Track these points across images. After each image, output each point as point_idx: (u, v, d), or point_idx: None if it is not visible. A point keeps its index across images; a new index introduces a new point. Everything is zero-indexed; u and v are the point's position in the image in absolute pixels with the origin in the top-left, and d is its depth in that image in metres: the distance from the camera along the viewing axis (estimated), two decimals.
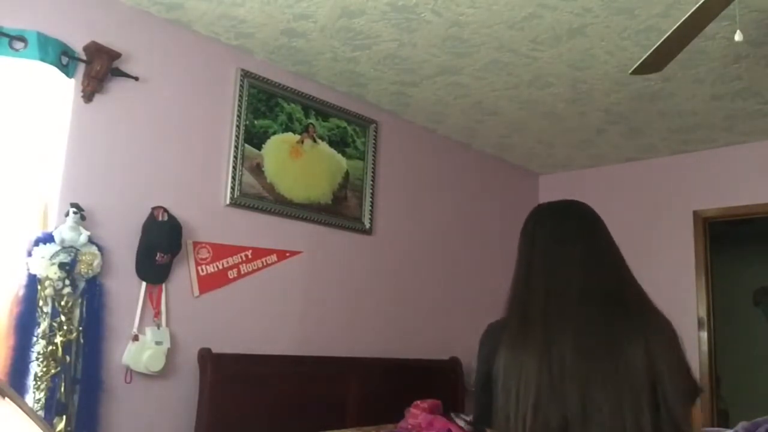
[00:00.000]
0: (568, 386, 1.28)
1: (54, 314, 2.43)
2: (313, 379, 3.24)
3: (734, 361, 5.69)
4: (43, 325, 2.40)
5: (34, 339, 2.38)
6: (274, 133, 3.37)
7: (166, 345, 2.78)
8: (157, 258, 2.78)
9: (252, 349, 3.12)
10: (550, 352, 1.31)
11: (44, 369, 2.37)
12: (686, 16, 2.15)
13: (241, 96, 3.23)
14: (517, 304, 1.43)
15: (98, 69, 2.67)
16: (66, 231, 2.48)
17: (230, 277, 3.13)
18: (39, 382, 2.36)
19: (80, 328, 2.50)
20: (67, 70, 2.63)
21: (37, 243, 2.45)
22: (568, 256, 1.42)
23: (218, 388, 2.85)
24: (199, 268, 3.01)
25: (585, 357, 1.30)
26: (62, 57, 2.59)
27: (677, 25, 2.20)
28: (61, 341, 2.42)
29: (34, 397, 2.35)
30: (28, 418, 0.93)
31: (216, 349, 2.93)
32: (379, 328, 3.79)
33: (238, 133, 3.21)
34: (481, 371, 1.44)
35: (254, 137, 3.28)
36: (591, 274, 1.40)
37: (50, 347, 2.40)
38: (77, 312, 2.51)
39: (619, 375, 1.28)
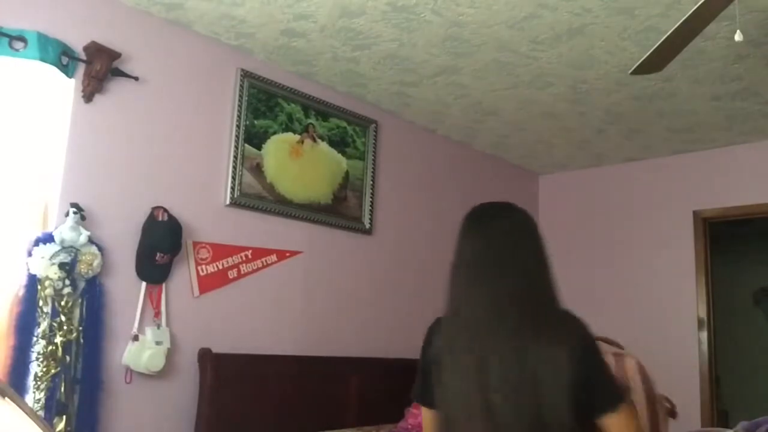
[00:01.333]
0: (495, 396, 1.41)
1: (54, 314, 2.43)
2: (313, 379, 3.24)
3: (734, 361, 5.69)
4: (43, 325, 2.40)
5: (34, 339, 2.38)
6: (274, 133, 3.37)
7: (166, 345, 2.78)
8: (157, 258, 2.78)
9: (252, 349, 3.12)
10: (480, 363, 1.43)
11: (44, 369, 2.37)
12: (686, 16, 2.15)
13: (241, 96, 3.23)
14: (450, 308, 1.59)
15: (98, 69, 2.67)
16: (66, 231, 2.48)
17: (230, 277, 3.12)
18: (39, 382, 2.36)
19: (80, 328, 2.50)
20: (67, 70, 2.63)
21: (37, 243, 2.45)
22: (482, 272, 1.54)
23: (218, 388, 2.85)
24: (199, 268, 3.01)
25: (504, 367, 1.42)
26: (62, 57, 2.59)
27: (677, 25, 2.20)
28: (61, 341, 2.42)
29: (34, 397, 2.35)
30: (28, 418, 0.93)
31: (216, 349, 2.93)
32: (379, 328, 3.79)
33: (238, 133, 3.21)
34: (423, 358, 1.61)
35: (254, 137, 3.28)
36: (501, 289, 1.49)
37: (50, 347, 2.40)
38: (77, 312, 2.51)
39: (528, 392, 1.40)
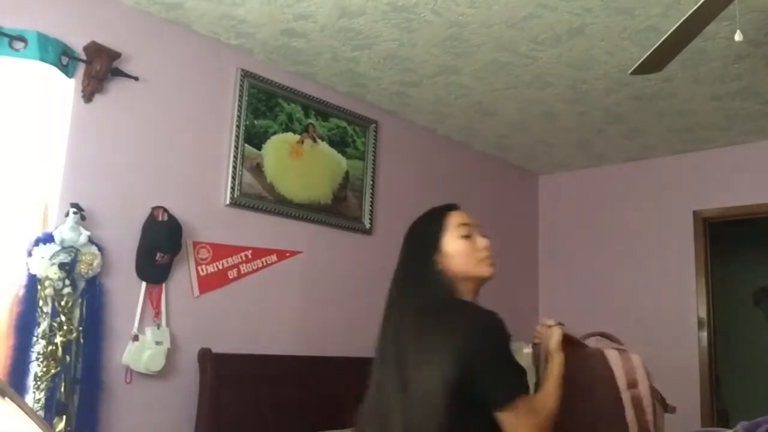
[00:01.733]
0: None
1: (54, 314, 2.43)
2: (313, 379, 3.24)
3: (734, 361, 5.69)
4: (43, 325, 2.40)
5: (34, 339, 2.38)
6: (274, 133, 3.37)
7: (166, 345, 2.78)
8: (157, 258, 2.78)
9: (252, 349, 3.12)
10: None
11: (44, 369, 2.37)
12: (686, 16, 2.15)
13: (241, 96, 3.23)
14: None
15: (98, 69, 2.67)
16: (66, 231, 2.48)
17: (230, 277, 3.12)
18: (39, 382, 2.36)
19: (80, 328, 2.50)
20: (67, 70, 2.63)
21: (37, 243, 2.45)
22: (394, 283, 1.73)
23: (218, 388, 2.85)
24: (199, 268, 3.01)
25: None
26: (62, 57, 2.59)
27: (677, 25, 2.20)
28: (61, 341, 2.42)
29: (34, 397, 2.35)
30: (28, 418, 0.93)
31: (216, 349, 2.93)
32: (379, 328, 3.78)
33: (238, 133, 3.21)
34: None
35: (254, 137, 3.28)
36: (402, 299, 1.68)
37: (50, 347, 2.39)
38: (77, 312, 2.51)
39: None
